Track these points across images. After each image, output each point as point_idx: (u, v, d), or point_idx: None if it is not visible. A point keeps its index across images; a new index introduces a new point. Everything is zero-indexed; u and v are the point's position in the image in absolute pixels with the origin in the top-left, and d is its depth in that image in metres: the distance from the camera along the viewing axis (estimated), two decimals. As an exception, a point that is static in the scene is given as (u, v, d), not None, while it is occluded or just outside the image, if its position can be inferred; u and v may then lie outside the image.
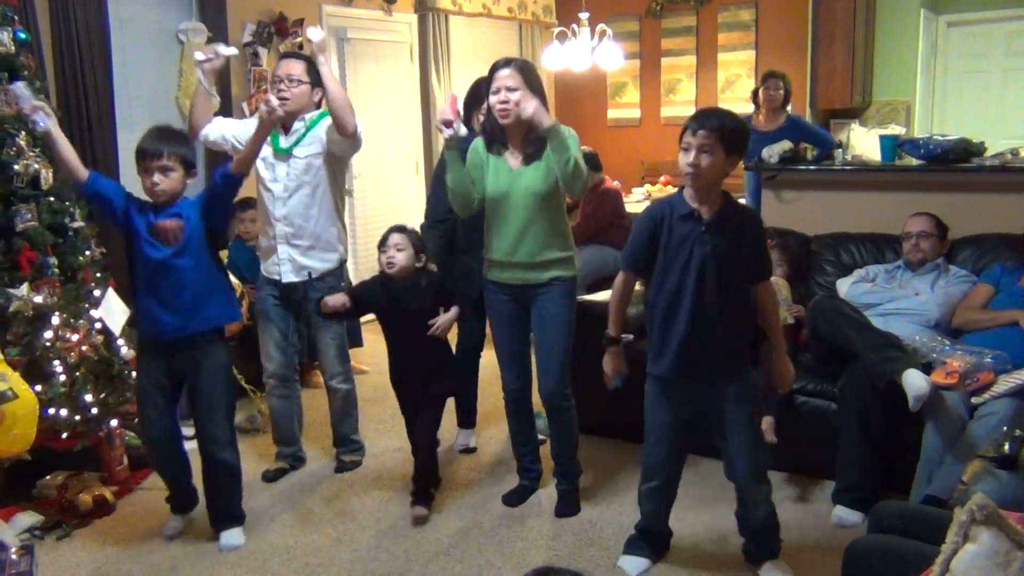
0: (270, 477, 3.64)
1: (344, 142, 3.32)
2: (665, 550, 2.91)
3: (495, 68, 3.00)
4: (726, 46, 7.31)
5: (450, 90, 6.59)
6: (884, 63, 6.74)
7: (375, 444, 3.92)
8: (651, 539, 2.88)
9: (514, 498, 3.37)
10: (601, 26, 6.44)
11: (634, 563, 2.85)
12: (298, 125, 3.38)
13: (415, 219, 6.61)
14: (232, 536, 3.11)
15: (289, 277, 3.43)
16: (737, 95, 7.28)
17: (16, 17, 3.45)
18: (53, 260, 3.39)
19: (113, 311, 3.42)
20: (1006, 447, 2.65)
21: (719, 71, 7.37)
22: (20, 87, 2.90)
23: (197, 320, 2.94)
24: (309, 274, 3.43)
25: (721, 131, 2.44)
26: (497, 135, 3.07)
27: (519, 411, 3.33)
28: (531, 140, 3.01)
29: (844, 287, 3.74)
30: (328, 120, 3.32)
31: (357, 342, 5.11)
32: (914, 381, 2.93)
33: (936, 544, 1.75)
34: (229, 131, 3.45)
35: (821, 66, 6.62)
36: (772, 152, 4.38)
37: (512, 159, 3.05)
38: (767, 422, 3.26)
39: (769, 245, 3.84)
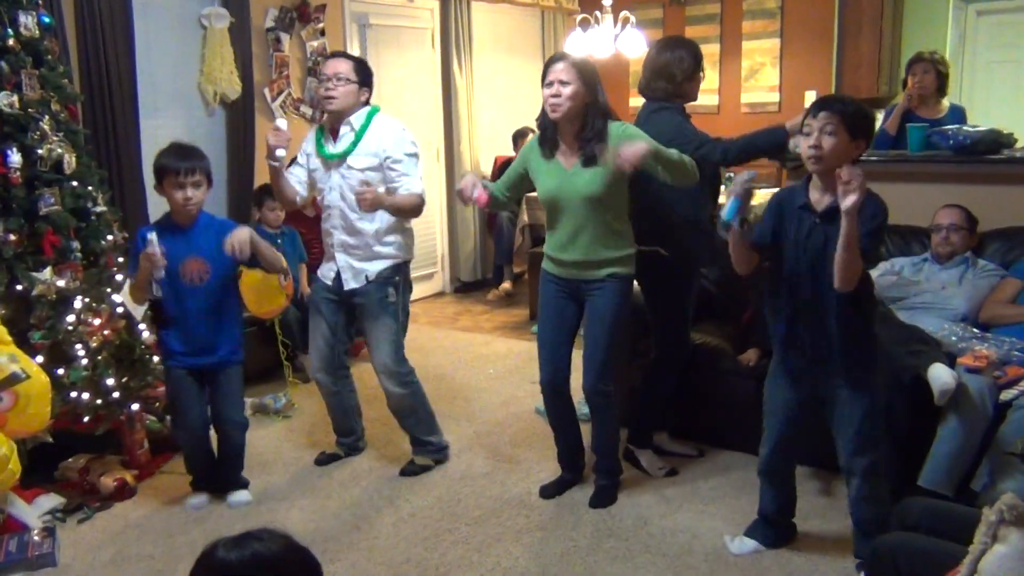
0: (321, 461, 3.68)
1: None
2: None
3: (549, 63, 2.98)
4: (750, 34, 7.22)
5: (472, 78, 6.56)
6: (912, 52, 6.52)
7: (394, 431, 3.92)
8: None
9: (551, 490, 3.33)
10: (624, 13, 6.40)
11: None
12: (345, 130, 3.31)
13: (436, 204, 6.62)
14: (240, 494, 3.33)
15: (350, 284, 3.38)
16: (761, 83, 7.20)
17: (40, 1, 3.46)
18: (76, 244, 3.41)
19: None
20: (1035, 445, 2.63)
21: (743, 59, 7.29)
22: (154, 238, 2.96)
23: (211, 355, 3.19)
24: (366, 277, 3.37)
25: (843, 113, 2.39)
26: (549, 133, 3.03)
27: (555, 403, 3.27)
28: (586, 139, 2.95)
29: (869, 280, 3.69)
30: (383, 132, 3.30)
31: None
32: (940, 375, 2.89)
33: (963, 543, 1.73)
34: (302, 177, 3.42)
35: (847, 55, 6.52)
36: (797, 141, 4.31)
37: (565, 159, 3.01)
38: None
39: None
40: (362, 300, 3.39)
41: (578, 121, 2.95)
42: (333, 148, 3.33)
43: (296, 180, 3.42)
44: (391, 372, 3.44)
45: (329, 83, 3.27)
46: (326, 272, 3.46)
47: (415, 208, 3.36)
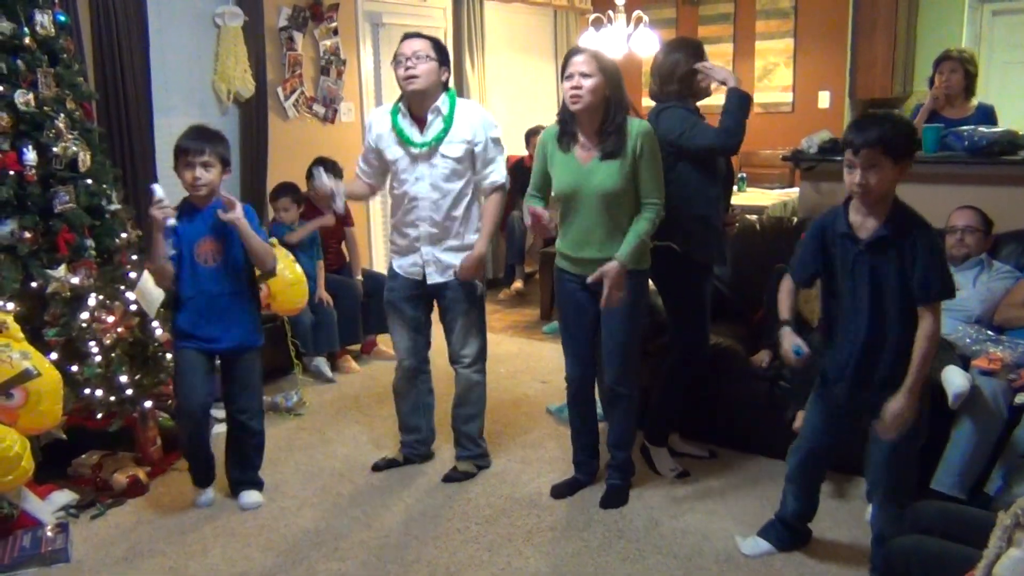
0: (379, 466, 3.57)
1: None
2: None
3: (569, 55, 2.95)
4: (764, 34, 7.21)
5: (484, 77, 6.57)
6: (926, 52, 6.58)
7: (405, 430, 3.93)
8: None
9: (562, 490, 3.32)
10: (637, 13, 6.38)
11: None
12: (432, 116, 3.17)
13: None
14: (251, 495, 3.31)
15: (435, 278, 3.29)
16: (774, 84, 7.19)
17: (56, 0, 3.47)
18: (90, 242, 3.42)
19: (148, 293, 3.44)
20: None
21: (756, 59, 7.28)
22: (157, 188, 3.01)
23: (225, 340, 3.16)
24: (454, 273, 3.28)
25: (884, 143, 2.30)
26: (568, 126, 3.00)
27: (579, 402, 3.27)
28: (606, 132, 2.93)
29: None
30: (470, 115, 3.21)
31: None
32: (954, 378, 2.88)
33: (977, 546, 1.72)
34: (375, 165, 3.32)
35: (861, 55, 6.51)
36: (811, 142, 4.30)
37: (583, 152, 2.98)
38: (800, 417, 3.22)
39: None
40: (451, 293, 3.31)
41: (598, 114, 2.92)
42: (422, 136, 3.19)
43: (368, 172, 3.33)
44: (474, 361, 3.40)
45: (409, 62, 3.10)
46: (409, 268, 3.33)
47: (501, 210, 3.32)
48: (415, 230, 3.27)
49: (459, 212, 3.25)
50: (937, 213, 3.69)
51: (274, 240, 3.73)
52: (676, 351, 3.43)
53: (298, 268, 3.91)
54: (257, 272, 3.39)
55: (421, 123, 3.20)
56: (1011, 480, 2.82)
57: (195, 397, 3.14)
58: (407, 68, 3.11)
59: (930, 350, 2.36)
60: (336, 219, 5.01)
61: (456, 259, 3.28)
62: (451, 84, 3.26)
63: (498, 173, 3.27)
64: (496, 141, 3.27)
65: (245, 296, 3.19)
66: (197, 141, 3.04)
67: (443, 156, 3.18)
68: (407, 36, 3.22)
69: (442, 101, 3.19)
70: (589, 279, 2.96)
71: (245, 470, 3.33)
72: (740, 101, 3.11)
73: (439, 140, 3.17)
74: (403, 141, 3.20)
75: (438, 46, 3.19)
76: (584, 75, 2.88)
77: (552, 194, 3.11)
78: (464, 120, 3.20)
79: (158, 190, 2.99)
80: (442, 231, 3.25)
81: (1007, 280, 3.40)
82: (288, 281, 3.84)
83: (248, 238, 3.06)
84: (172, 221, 2.98)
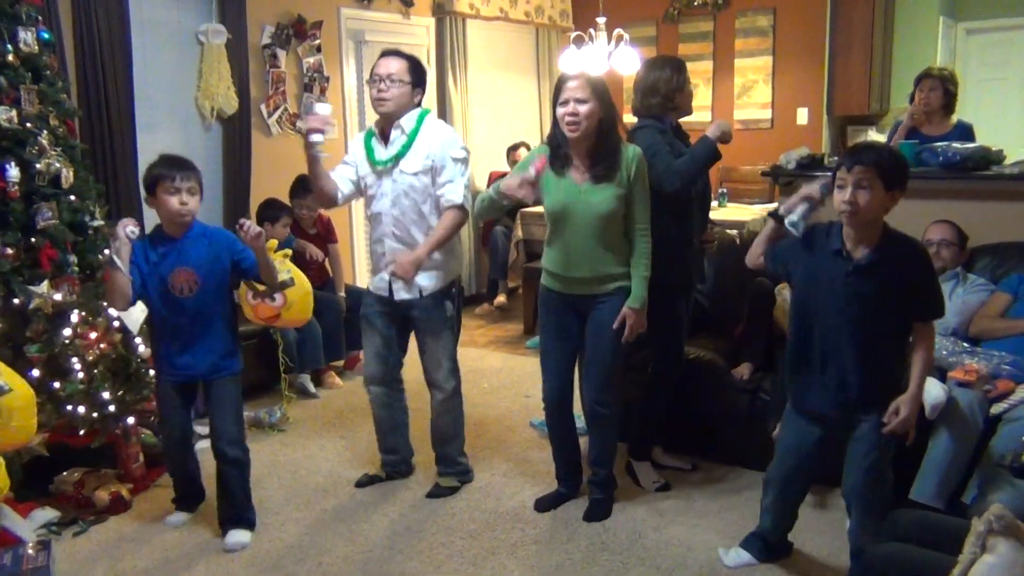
0: (362, 483, 3.57)
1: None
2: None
3: (563, 80, 2.95)
4: (743, 52, 7.30)
5: (467, 94, 6.62)
6: (902, 70, 6.70)
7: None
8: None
9: (546, 503, 3.33)
10: (618, 31, 6.44)
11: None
12: (396, 133, 3.20)
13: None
14: (236, 535, 3.13)
15: (401, 295, 3.28)
16: (753, 100, 7.27)
17: (40, 17, 3.48)
18: (73, 258, 3.42)
19: (131, 310, 3.44)
20: (1024, 457, 2.66)
21: (736, 77, 7.36)
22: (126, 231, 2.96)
23: (200, 367, 3.10)
24: (420, 292, 3.27)
25: (879, 165, 2.35)
26: (561, 150, 2.99)
27: (557, 418, 3.28)
28: (599, 156, 2.94)
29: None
30: (434, 134, 3.20)
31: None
32: (931, 390, 2.92)
33: (953, 554, 1.76)
34: (350, 176, 3.31)
35: (838, 72, 6.60)
36: (789, 158, 4.35)
37: (577, 175, 2.98)
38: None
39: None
40: (420, 315, 3.31)
41: (592, 137, 2.94)
42: (384, 153, 3.22)
43: (340, 177, 3.29)
44: (442, 387, 3.40)
45: (382, 84, 3.13)
46: (379, 284, 3.34)
47: (454, 227, 3.24)
48: (381, 246, 3.30)
49: (421, 230, 3.24)
50: (913, 227, 3.74)
51: (288, 251, 3.74)
52: (652, 366, 3.46)
53: (306, 281, 3.91)
54: (280, 280, 3.37)
55: (387, 140, 3.24)
56: (987, 489, 2.85)
57: (173, 429, 3.19)
58: (379, 90, 3.15)
59: (931, 360, 2.53)
60: (317, 236, 5.02)
61: (421, 277, 3.25)
62: (425, 104, 3.28)
63: (454, 192, 3.20)
64: (458, 161, 3.22)
65: (222, 323, 3.12)
66: (181, 168, 2.98)
67: (402, 172, 3.20)
68: (385, 54, 3.23)
69: (407, 119, 3.20)
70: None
71: (230, 506, 3.17)
72: (702, 151, 3.12)
73: (400, 156, 3.19)
74: (368, 157, 3.24)
75: (415, 67, 3.21)
76: (579, 101, 2.88)
77: (546, 212, 3.08)
78: (427, 138, 3.20)
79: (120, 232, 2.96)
80: (407, 248, 3.24)
81: (982, 293, 3.46)
82: (302, 291, 3.86)
83: (264, 258, 3.07)
84: (132, 229, 2.93)
